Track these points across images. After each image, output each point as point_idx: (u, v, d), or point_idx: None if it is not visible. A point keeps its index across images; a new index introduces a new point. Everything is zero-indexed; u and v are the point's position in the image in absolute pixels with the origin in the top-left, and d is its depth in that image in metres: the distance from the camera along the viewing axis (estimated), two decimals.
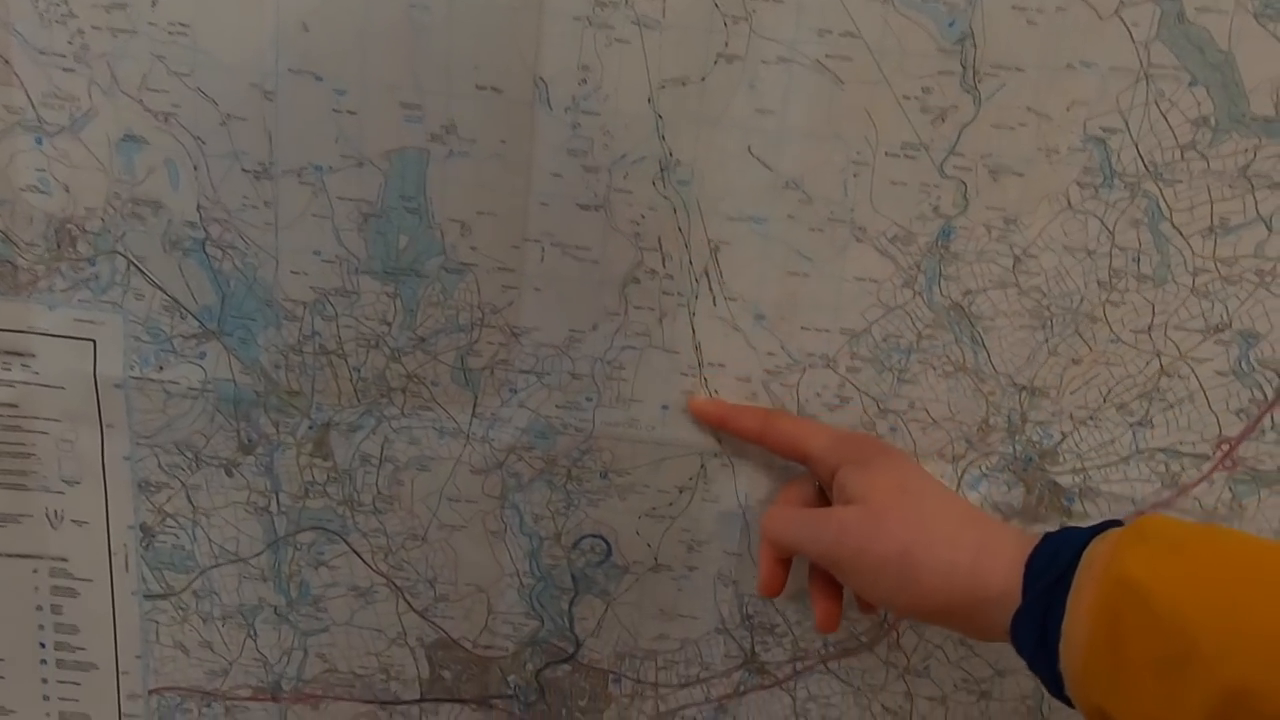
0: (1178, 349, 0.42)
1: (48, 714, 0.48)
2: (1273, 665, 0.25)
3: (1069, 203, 0.40)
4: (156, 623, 0.46)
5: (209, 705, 0.48)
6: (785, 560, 0.40)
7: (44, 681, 0.47)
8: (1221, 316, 0.41)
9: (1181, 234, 0.40)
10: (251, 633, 0.46)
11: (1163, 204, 0.40)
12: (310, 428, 0.43)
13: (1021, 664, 0.45)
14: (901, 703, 0.47)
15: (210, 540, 0.45)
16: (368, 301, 0.42)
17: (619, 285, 0.41)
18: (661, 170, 0.40)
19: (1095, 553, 0.30)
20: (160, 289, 0.42)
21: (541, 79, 0.39)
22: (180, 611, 0.46)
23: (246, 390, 0.43)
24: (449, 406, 0.43)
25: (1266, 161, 0.39)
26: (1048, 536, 0.32)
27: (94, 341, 0.42)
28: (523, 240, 0.41)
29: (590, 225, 0.40)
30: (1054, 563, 0.30)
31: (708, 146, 0.40)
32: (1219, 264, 0.41)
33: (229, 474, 0.44)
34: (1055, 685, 0.31)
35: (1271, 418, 0.42)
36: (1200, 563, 0.28)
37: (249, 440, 0.43)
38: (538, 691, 0.47)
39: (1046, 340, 0.42)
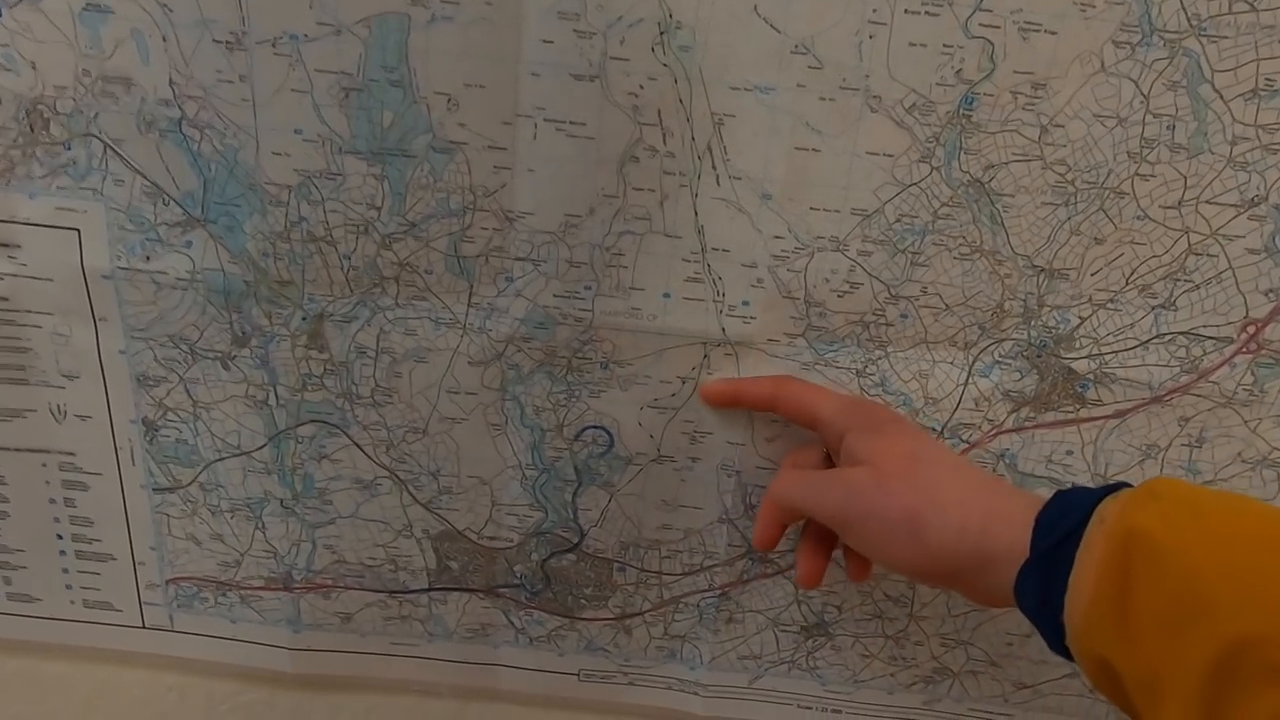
0: (1209, 225, 0.34)
1: (71, 602, 0.42)
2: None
3: (1102, 64, 0.32)
4: (167, 515, 0.41)
5: (224, 595, 0.42)
6: (783, 524, 0.35)
7: (65, 571, 0.42)
8: (1259, 189, 0.33)
9: (1222, 97, 0.32)
10: (260, 525, 0.40)
11: (1204, 63, 0.32)
12: (304, 319, 0.36)
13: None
14: (904, 590, 0.41)
15: (212, 434, 0.39)
16: (354, 185, 0.34)
17: (617, 164, 0.34)
18: (661, 34, 0.32)
19: (1107, 509, 0.26)
20: (140, 173, 0.34)
21: None
22: (189, 505, 0.40)
23: (236, 280, 0.36)
24: (444, 296, 0.36)
25: None
26: (1058, 495, 0.28)
27: (78, 231, 0.35)
28: (514, 116, 0.33)
29: (585, 98, 0.33)
30: (1064, 519, 0.27)
31: (711, 7, 0.32)
32: (1260, 131, 0.33)
33: (225, 367, 0.37)
34: (1055, 637, 0.27)
35: None
36: (1215, 523, 0.25)
37: (243, 332, 0.37)
38: (544, 580, 0.41)
39: (1069, 218, 0.34)
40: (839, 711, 0.45)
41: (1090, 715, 0.44)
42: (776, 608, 0.43)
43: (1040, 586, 0.27)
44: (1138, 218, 0.35)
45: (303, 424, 0.39)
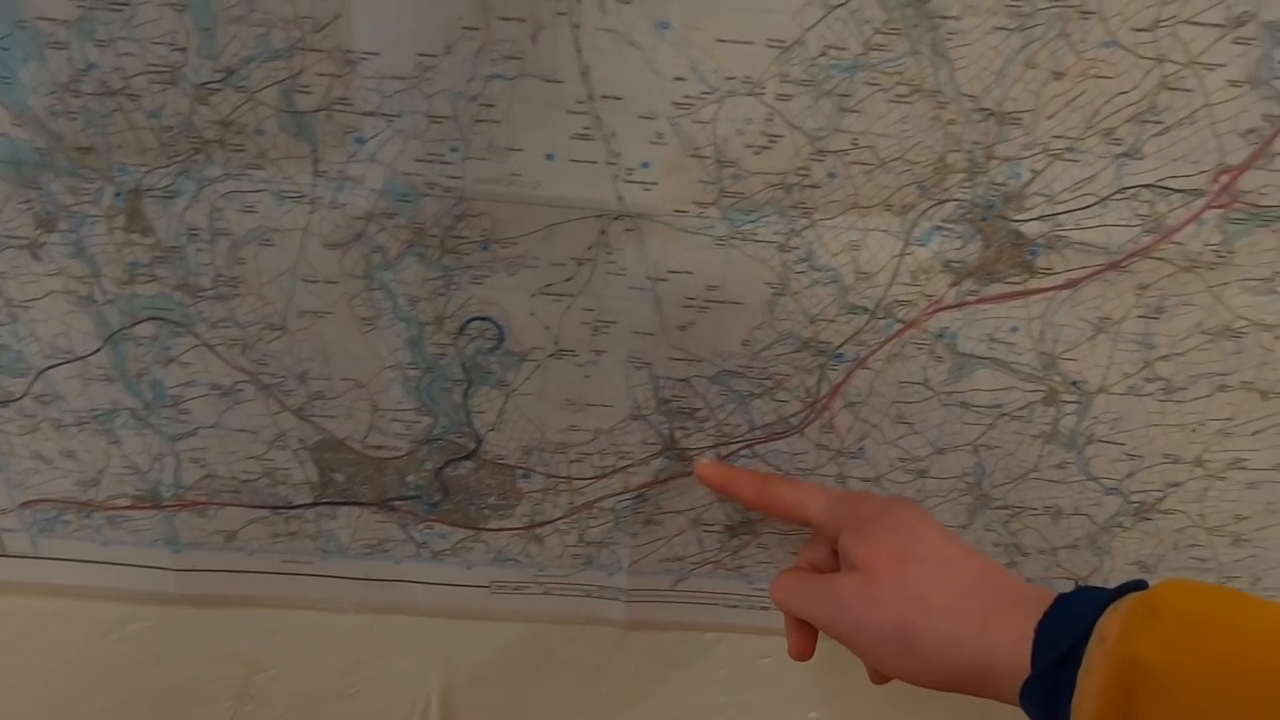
0: (1186, 51, 0.26)
1: None
2: None
3: None
4: (6, 433, 0.32)
5: (89, 516, 0.35)
6: (810, 625, 0.30)
7: None
8: (1249, 3, 0.25)
9: None
10: (113, 439, 0.33)
11: None
12: (117, 195, 0.28)
13: (963, 440, 0.33)
14: (833, 485, 0.35)
15: (36, 337, 0.31)
16: (147, 17, 0.25)
17: None
18: None
19: (1107, 627, 0.23)
20: None
21: None
22: (29, 419, 0.32)
23: (25, 147, 0.27)
24: (283, 163, 0.27)
25: None
26: (1059, 601, 0.25)
27: None
28: None
29: None
30: (1064, 633, 0.24)
31: None
32: None
33: (35, 257, 0.29)
34: None
35: None
36: (1218, 646, 0.22)
37: (46, 214, 0.28)
38: (441, 491, 0.34)
39: (1025, 46, 0.26)
40: (767, 609, 0.39)
41: None
42: (698, 507, 0.36)
43: (1045, 704, 0.24)
44: (1105, 44, 0.27)
45: (139, 322, 0.31)
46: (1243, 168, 0.29)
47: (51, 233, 0.30)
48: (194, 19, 0.26)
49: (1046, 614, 0.25)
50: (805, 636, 0.31)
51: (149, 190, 0.29)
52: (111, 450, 0.34)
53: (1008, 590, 0.27)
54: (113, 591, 0.38)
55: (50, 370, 0.32)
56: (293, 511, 0.36)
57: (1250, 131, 0.29)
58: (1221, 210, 0.30)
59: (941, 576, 0.27)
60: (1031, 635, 0.25)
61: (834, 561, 0.31)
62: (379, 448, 0.34)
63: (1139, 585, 0.25)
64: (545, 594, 0.39)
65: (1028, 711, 0.25)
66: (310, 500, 0.36)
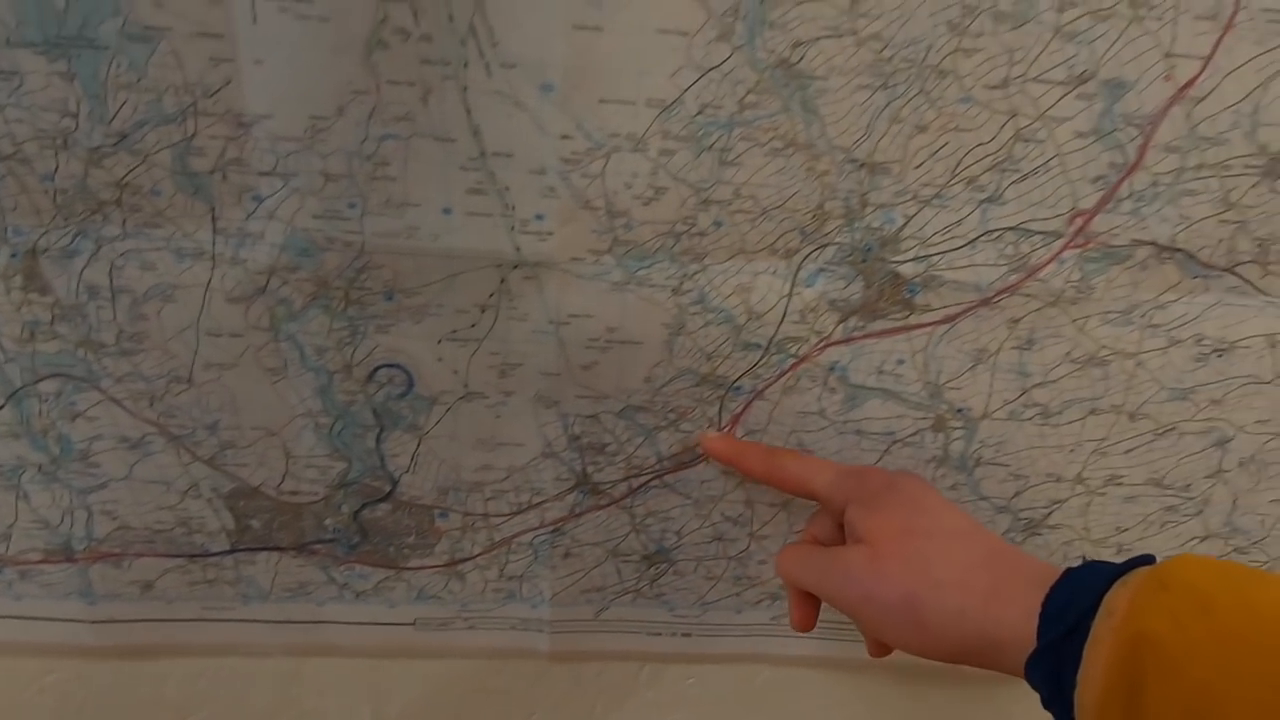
0: (1035, 106, 0.28)
1: None
2: None
3: None
4: None
5: (0, 571, 0.34)
6: (813, 596, 0.30)
7: None
8: (1088, 63, 0.27)
9: None
10: (21, 494, 0.32)
11: None
12: (13, 255, 0.28)
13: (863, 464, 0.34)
14: (741, 510, 0.36)
15: None
16: (36, 86, 0.25)
17: (362, 52, 0.25)
18: None
19: (1115, 601, 0.23)
20: None
21: None
22: None
23: None
24: (181, 221, 0.27)
25: None
26: (1066, 575, 0.25)
27: None
28: None
29: None
30: (1071, 607, 0.24)
31: None
32: None
33: None
34: None
35: (1130, 184, 0.29)
36: (1227, 620, 0.21)
37: None
38: (360, 533, 0.34)
39: (889, 104, 0.28)
40: (689, 635, 0.40)
41: None
42: (614, 538, 0.37)
43: (1051, 677, 0.23)
44: (961, 100, 0.29)
45: (42, 379, 0.31)
46: (1094, 211, 0.31)
47: None
48: (83, 86, 0.26)
49: (1054, 588, 0.24)
50: (808, 608, 0.31)
51: (45, 250, 0.29)
52: (20, 505, 0.34)
53: (1015, 564, 0.26)
54: (29, 646, 0.37)
55: None
56: (210, 559, 0.36)
57: (1099, 178, 0.31)
58: (1079, 250, 0.32)
59: (948, 550, 0.27)
60: (1038, 609, 0.24)
61: (839, 535, 0.31)
62: (294, 493, 0.35)
63: (1148, 560, 0.24)
64: (470, 629, 0.39)
65: (1033, 684, 0.24)
66: (227, 547, 0.36)
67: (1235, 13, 0.28)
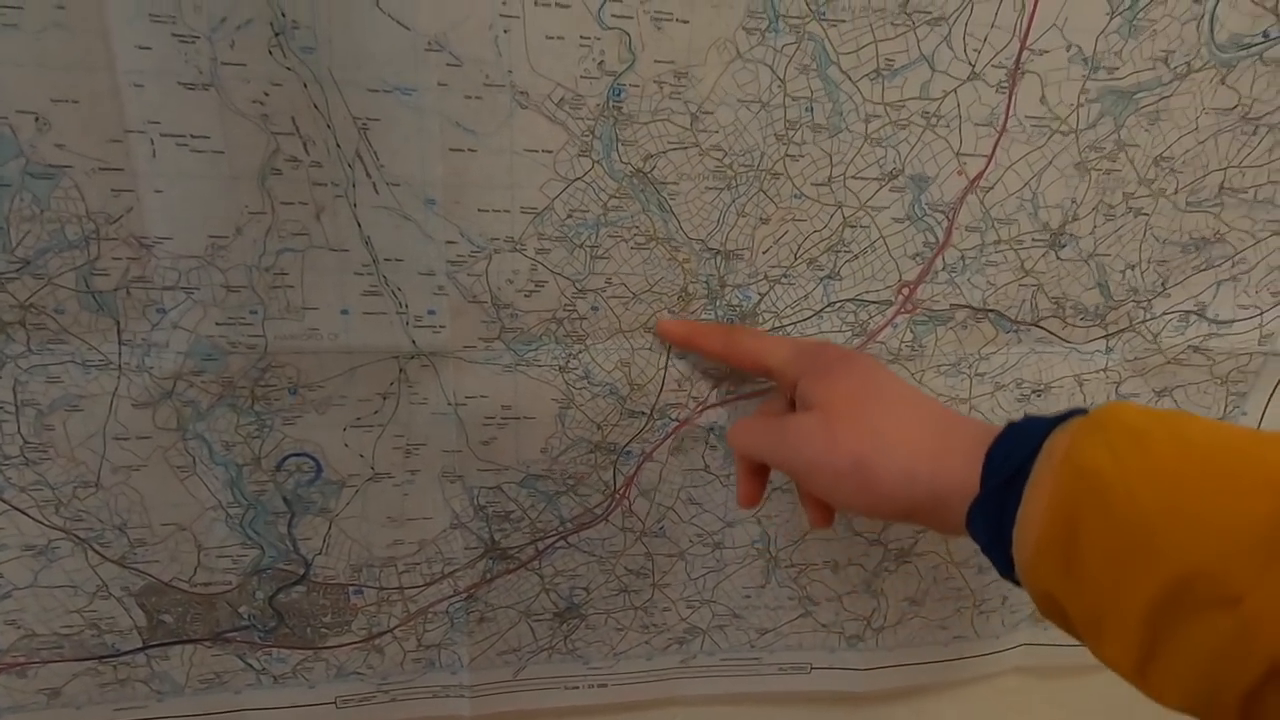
0: (857, 199, 0.33)
1: None
2: (1224, 553, 0.20)
3: (738, 51, 0.30)
4: None
5: None
6: (760, 471, 0.32)
7: None
8: (895, 163, 0.32)
9: (850, 78, 0.31)
10: None
11: (829, 46, 0.30)
12: None
13: (747, 514, 0.38)
14: (643, 563, 0.39)
15: None
16: None
17: (257, 178, 0.28)
18: (276, 35, 0.26)
19: (1055, 443, 0.24)
20: None
21: None
22: None
23: None
24: (86, 336, 0.29)
25: None
26: (1010, 427, 0.25)
27: None
28: (123, 132, 0.27)
29: (203, 108, 0.27)
30: (1014, 454, 0.24)
31: (328, 4, 0.26)
32: (888, 108, 0.31)
33: None
34: (1007, 568, 0.25)
35: (943, 259, 0.34)
36: (1161, 454, 0.22)
37: None
38: (276, 617, 0.36)
39: (734, 201, 0.32)
40: (605, 685, 0.42)
41: (825, 646, 0.44)
42: (526, 599, 0.39)
43: (991, 522, 0.24)
44: (795, 196, 0.33)
45: None
46: (916, 282, 0.36)
47: None
48: None
49: (997, 439, 0.25)
50: (756, 483, 0.32)
51: None
52: None
53: (961, 426, 0.27)
54: None
55: None
56: (121, 658, 0.36)
57: (917, 255, 0.36)
58: (908, 315, 0.37)
59: (897, 415, 0.27)
60: (981, 459, 0.25)
61: (791, 411, 0.31)
62: (207, 584, 0.36)
63: (1082, 411, 0.24)
64: (391, 701, 0.40)
65: (975, 534, 0.25)
66: (140, 645, 0.36)
67: (1006, 119, 0.34)
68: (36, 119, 0.27)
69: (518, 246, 0.32)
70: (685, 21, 0.30)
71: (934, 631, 0.44)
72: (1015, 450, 0.24)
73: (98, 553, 0.34)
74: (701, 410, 0.37)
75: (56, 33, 0.26)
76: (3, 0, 0.25)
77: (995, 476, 0.24)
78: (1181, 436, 0.22)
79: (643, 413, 0.37)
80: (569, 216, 0.32)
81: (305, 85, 0.28)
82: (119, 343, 0.31)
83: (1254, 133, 0.36)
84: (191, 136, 0.28)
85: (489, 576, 0.39)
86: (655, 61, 0.30)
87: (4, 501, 0.32)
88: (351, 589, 0.37)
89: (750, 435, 0.31)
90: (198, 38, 0.27)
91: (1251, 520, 0.19)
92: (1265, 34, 0.34)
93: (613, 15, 0.29)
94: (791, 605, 0.43)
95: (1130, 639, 0.21)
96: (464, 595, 0.39)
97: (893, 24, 0.31)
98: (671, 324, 0.33)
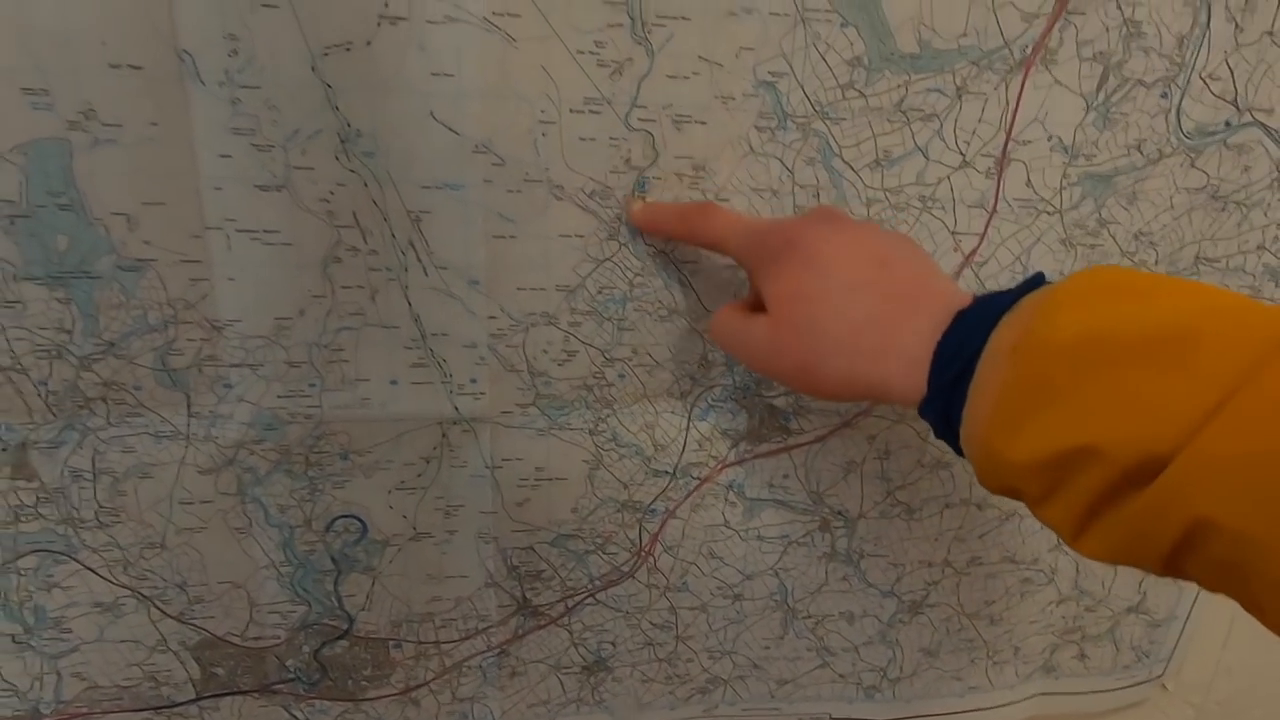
0: None
1: None
2: (1156, 434, 0.20)
3: (750, 147, 0.33)
4: None
5: None
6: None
7: None
8: None
9: (852, 168, 0.34)
10: None
11: (832, 141, 0.33)
12: (4, 450, 0.31)
13: (765, 566, 0.40)
14: (667, 617, 0.41)
15: None
16: (37, 310, 0.30)
17: (319, 266, 0.31)
18: (342, 143, 0.30)
19: (1000, 339, 0.23)
20: None
21: (185, 51, 0.28)
22: None
23: None
24: (160, 410, 0.32)
25: (917, 95, 0.33)
26: (957, 319, 0.25)
27: None
28: (203, 229, 0.30)
29: (275, 207, 0.30)
30: (957, 355, 0.24)
31: (386, 114, 0.30)
32: (887, 193, 0.35)
33: None
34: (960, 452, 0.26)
35: None
36: (1098, 342, 0.21)
37: None
38: (319, 670, 0.38)
39: (744, 280, 0.35)
40: None
41: (843, 697, 0.45)
42: (555, 654, 0.41)
43: (939, 416, 0.25)
44: None
45: (22, 556, 0.34)
46: None
47: None
48: (78, 308, 0.31)
49: (945, 334, 0.25)
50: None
51: (35, 443, 0.33)
52: None
53: (907, 317, 0.26)
54: None
55: None
56: (176, 709, 0.38)
57: None
58: None
59: (840, 310, 0.26)
60: (926, 364, 0.25)
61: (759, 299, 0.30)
62: (258, 638, 0.38)
63: (1035, 283, 0.24)
64: None
65: (926, 420, 0.26)
66: (193, 696, 0.38)
67: (996, 202, 0.37)
68: (128, 219, 0.31)
69: (552, 320, 0.35)
70: (703, 123, 0.33)
71: (949, 682, 0.46)
72: (963, 345, 0.24)
73: (159, 609, 0.36)
74: (721, 469, 0.40)
75: (149, 146, 0.30)
76: (105, 119, 0.29)
77: (940, 376, 0.24)
78: (1126, 313, 0.22)
79: (666, 472, 0.39)
80: (599, 293, 0.35)
81: (366, 184, 0.32)
82: (188, 415, 0.34)
83: (1223, 209, 0.39)
84: (263, 231, 0.32)
85: (520, 632, 0.41)
86: (676, 157, 0.34)
87: (77, 561, 0.35)
88: (391, 643, 0.39)
89: (721, 334, 0.31)
90: (273, 146, 0.31)
91: (1195, 403, 0.20)
92: (1227, 123, 0.37)
93: (638, 119, 0.33)
94: (810, 656, 0.44)
95: (1070, 512, 0.22)
96: (497, 650, 0.41)
97: (889, 120, 0.35)
98: (639, 212, 0.33)
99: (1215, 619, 0.49)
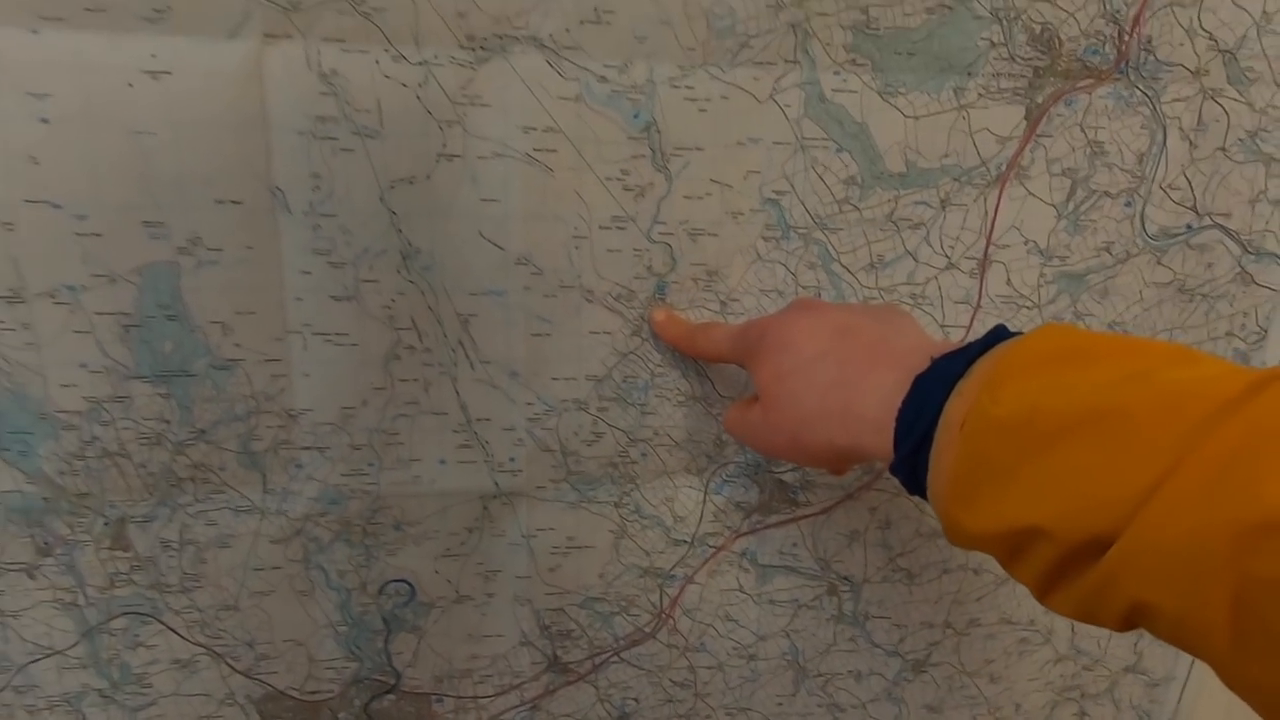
0: None
1: None
2: (1100, 511, 0.21)
3: (758, 254, 0.38)
4: None
5: None
6: None
7: None
8: None
9: (850, 271, 0.38)
10: (80, 718, 0.38)
11: (831, 248, 0.38)
12: (105, 524, 0.36)
13: (777, 628, 0.43)
14: (686, 676, 0.44)
15: (22, 638, 0.37)
16: (142, 404, 0.35)
17: (382, 363, 0.36)
18: (404, 259, 0.35)
19: (953, 410, 0.25)
20: None
21: (278, 188, 0.33)
22: (5, 708, 0.38)
23: (34, 499, 0.35)
24: (240, 487, 0.37)
25: (906, 207, 0.38)
26: (915, 385, 0.26)
27: None
28: (285, 333, 0.35)
29: (346, 313, 0.35)
30: (920, 419, 0.25)
31: (442, 234, 0.35)
32: (881, 292, 0.39)
33: (31, 576, 0.36)
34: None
35: None
36: (1046, 415, 0.22)
37: (45, 544, 0.36)
38: None
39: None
40: None
41: None
42: (583, 709, 0.44)
43: (908, 477, 0.27)
44: None
45: (114, 618, 0.38)
46: None
47: (47, 557, 0.37)
48: (177, 402, 0.36)
49: (905, 400, 0.26)
50: None
51: (132, 518, 0.38)
52: None
53: (862, 373, 0.28)
54: None
55: (30, 665, 0.39)
56: None
57: None
58: None
59: (809, 380, 0.29)
60: (889, 426, 0.26)
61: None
62: (315, 693, 0.42)
63: (1000, 337, 0.25)
64: None
65: (897, 479, 0.27)
66: None
67: (980, 298, 0.41)
68: (223, 327, 0.36)
69: (582, 406, 0.40)
70: (715, 235, 0.38)
71: None
72: (919, 415, 0.25)
73: (229, 665, 0.40)
74: (735, 538, 0.44)
75: (244, 265, 0.35)
76: (209, 245, 0.34)
77: (903, 445, 0.26)
78: (1066, 384, 0.22)
79: (685, 541, 0.43)
80: (624, 381, 0.40)
81: (423, 293, 0.37)
82: (263, 491, 0.38)
83: (1190, 300, 0.42)
84: (335, 334, 0.37)
85: (551, 688, 0.44)
86: (692, 264, 0.39)
87: (161, 623, 0.39)
88: (434, 698, 0.43)
89: (733, 427, 0.36)
90: (346, 264, 0.36)
91: (1129, 488, 0.20)
92: (1188, 226, 0.41)
93: (659, 233, 0.38)
94: (820, 712, 0.47)
95: (1031, 577, 0.24)
96: (529, 705, 0.44)
97: (881, 229, 0.39)
98: (659, 324, 0.37)
99: (1217, 679, 0.51)
